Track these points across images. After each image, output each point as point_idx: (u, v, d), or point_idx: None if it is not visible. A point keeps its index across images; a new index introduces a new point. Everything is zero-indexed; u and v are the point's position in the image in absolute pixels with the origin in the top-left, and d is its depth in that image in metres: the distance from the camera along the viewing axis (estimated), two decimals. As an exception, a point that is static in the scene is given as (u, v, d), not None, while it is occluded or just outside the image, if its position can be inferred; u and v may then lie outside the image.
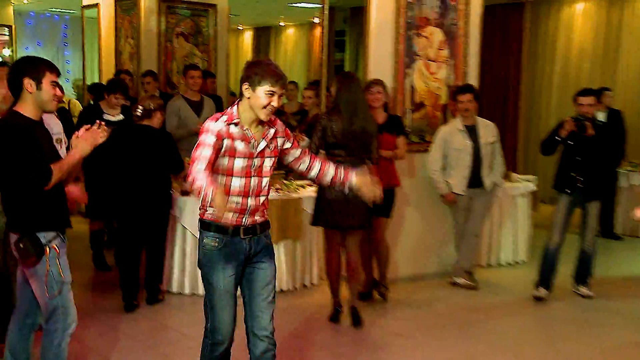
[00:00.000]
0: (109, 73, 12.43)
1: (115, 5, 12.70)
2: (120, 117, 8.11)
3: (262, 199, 4.48)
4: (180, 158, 7.51)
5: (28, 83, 4.51)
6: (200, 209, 4.49)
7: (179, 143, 8.46)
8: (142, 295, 7.46)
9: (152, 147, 7.24)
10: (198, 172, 4.02)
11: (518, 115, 14.84)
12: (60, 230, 4.78)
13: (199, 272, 7.47)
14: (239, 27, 21.29)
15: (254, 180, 4.35)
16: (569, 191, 7.89)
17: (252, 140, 4.30)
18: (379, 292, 7.87)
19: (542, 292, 7.98)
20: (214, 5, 12.49)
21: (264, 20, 20.32)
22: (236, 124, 4.26)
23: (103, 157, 6.91)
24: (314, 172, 4.81)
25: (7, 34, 18.23)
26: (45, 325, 4.78)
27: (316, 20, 16.33)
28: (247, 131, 4.29)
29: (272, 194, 7.87)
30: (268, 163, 4.42)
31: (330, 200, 6.76)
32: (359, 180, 4.67)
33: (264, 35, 21.05)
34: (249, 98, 4.24)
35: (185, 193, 7.70)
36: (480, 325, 7.23)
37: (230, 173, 4.30)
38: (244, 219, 4.40)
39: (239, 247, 4.43)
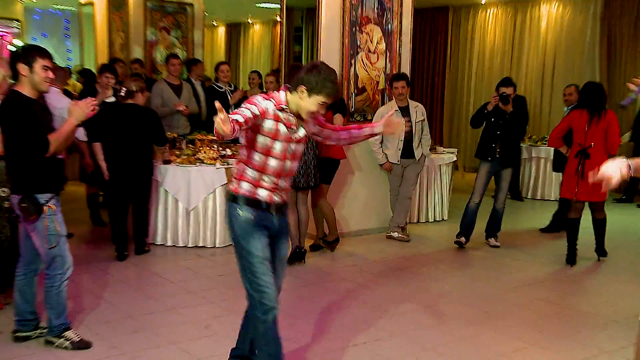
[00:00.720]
0: (103, 61, 12.24)
1: (108, 3, 12.68)
2: (112, 98, 7.97)
3: (289, 180, 4.18)
4: (164, 132, 7.57)
5: (22, 67, 4.53)
6: (233, 183, 4.07)
7: (162, 119, 8.48)
8: (131, 247, 7.44)
9: (137, 122, 7.23)
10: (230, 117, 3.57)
11: (443, 99, 15.18)
12: (55, 192, 4.78)
13: (181, 227, 7.64)
14: (213, 23, 21.04)
15: (287, 163, 4.01)
16: (489, 159, 8.01)
17: (294, 127, 3.99)
18: (325, 242, 7.84)
19: (462, 239, 8.17)
20: (191, 4, 12.52)
21: (234, 18, 20.12)
22: (283, 110, 3.92)
23: (97, 131, 7.21)
24: (343, 136, 4.45)
25: (18, 27, 17.96)
26: (47, 271, 4.80)
27: (278, 18, 16.44)
28: (291, 118, 3.97)
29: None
30: (300, 148, 4.12)
31: None
32: (382, 126, 4.35)
33: (235, 30, 20.82)
34: (300, 98, 3.92)
35: (167, 162, 7.73)
36: (411, 270, 7.27)
37: (268, 153, 3.91)
38: (275, 197, 4.04)
39: (270, 222, 4.08)
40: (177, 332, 5.30)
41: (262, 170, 3.96)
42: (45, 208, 4.63)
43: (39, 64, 4.53)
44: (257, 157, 3.93)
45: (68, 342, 4.80)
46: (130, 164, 7.24)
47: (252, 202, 4.00)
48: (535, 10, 13.82)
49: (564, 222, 8.36)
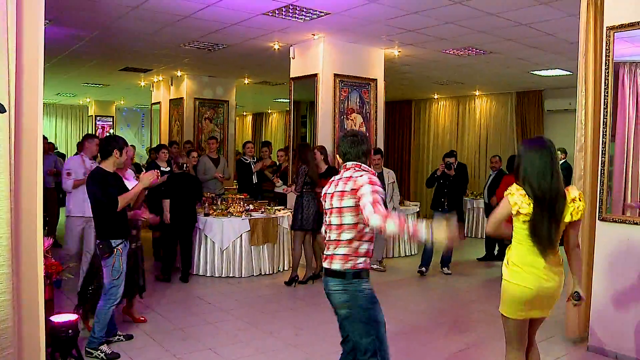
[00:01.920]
0: (165, 141, 12.37)
1: (170, 103, 12.76)
2: (167, 168, 7.93)
3: None
4: (202, 193, 7.85)
5: (117, 152, 4.69)
6: (346, 262, 3.20)
7: (204, 183, 8.55)
8: (177, 276, 7.36)
9: (186, 186, 7.32)
10: (389, 215, 2.96)
11: (410, 165, 15.08)
12: (124, 238, 4.70)
13: (216, 261, 7.53)
14: (243, 114, 21.20)
15: None
16: (440, 209, 8.00)
17: None
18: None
19: (423, 269, 8.01)
20: (227, 101, 12.55)
21: (259, 109, 20.28)
22: None
23: (159, 192, 7.28)
24: None
25: (111, 121, 19.44)
26: (104, 295, 4.66)
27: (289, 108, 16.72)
28: None
29: (259, 214, 7.78)
30: None
31: (302, 214, 7.10)
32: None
33: (259, 118, 20.92)
34: (369, 166, 3.36)
35: (207, 214, 7.69)
36: (387, 293, 7.04)
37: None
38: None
39: None
40: (213, 340, 5.14)
41: (371, 240, 3.28)
42: (115, 250, 4.59)
43: (126, 150, 4.78)
44: (368, 230, 3.19)
45: (102, 354, 4.59)
46: (182, 214, 7.26)
47: (367, 273, 3.28)
48: (472, 103, 13.97)
49: (492, 253, 9.12)
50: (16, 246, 3.43)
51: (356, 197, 3.13)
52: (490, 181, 9.37)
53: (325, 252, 3.31)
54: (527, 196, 3.15)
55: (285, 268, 8.09)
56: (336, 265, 3.20)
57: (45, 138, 9.45)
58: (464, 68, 10.04)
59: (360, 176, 3.21)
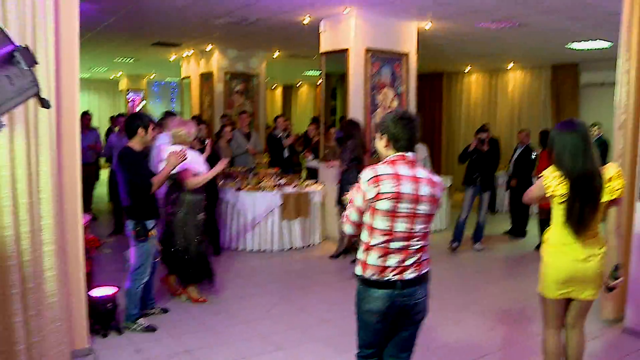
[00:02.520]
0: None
1: (200, 77, 12.73)
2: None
3: None
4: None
5: (141, 130, 4.61)
6: (428, 264, 2.93)
7: (237, 157, 8.56)
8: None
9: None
10: None
11: (441, 140, 14.93)
12: (157, 218, 4.76)
13: (249, 236, 7.60)
14: (273, 86, 21.18)
15: None
16: (472, 185, 7.93)
17: None
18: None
19: (455, 245, 7.96)
20: (257, 75, 12.50)
21: (288, 82, 20.20)
22: None
23: None
24: None
25: (142, 95, 19.77)
26: (132, 275, 4.68)
27: (320, 81, 16.55)
28: None
29: (291, 189, 7.80)
30: None
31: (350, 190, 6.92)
32: None
33: (288, 91, 20.85)
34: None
35: (239, 189, 7.59)
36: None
37: None
38: None
39: None
40: (246, 314, 5.22)
41: None
42: (150, 232, 4.61)
43: (151, 128, 4.66)
44: None
45: (140, 327, 4.66)
46: (209, 189, 7.14)
47: None
48: (505, 76, 13.67)
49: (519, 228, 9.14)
50: (61, 223, 3.50)
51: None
52: (517, 156, 9.21)
53: (404, 263, 2.76)
54: (562, 178, 3.17)
55: (316, 242, 8.12)
56: (424, 270, 2.86)
57: (87, 113, 9.55)
58: (498, 41, 9.82)
59: (438, 180, 2.85)
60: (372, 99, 8.23)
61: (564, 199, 3.18)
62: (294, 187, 7.90)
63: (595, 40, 9.41)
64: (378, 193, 2.68)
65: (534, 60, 12.39)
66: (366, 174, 2.73)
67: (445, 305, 5.59)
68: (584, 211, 3.17)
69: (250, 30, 9.47)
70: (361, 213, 2.78)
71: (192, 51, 12.72)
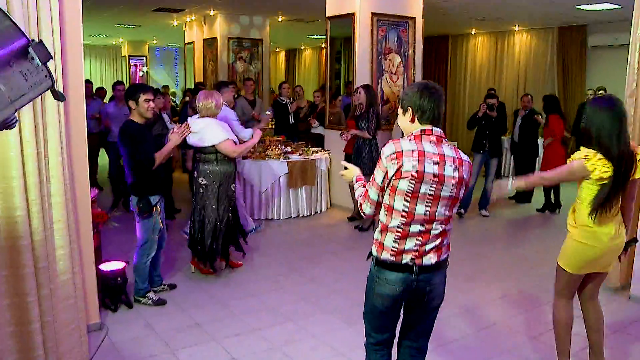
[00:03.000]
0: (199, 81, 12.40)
1: (203, 43, 12.58)
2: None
3: None
4: None
5: (131, 103, 4.43)
6: (447, 250, 2.77)
7: (244, 124, 8.45)
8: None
9: None
10: None
11: (446, 105, 14.62)
12: (162, 193, 4.67)
13: (256, 204, 7.60)
14: (276, 50, 20.89)
15: None
16: (482, 152, 7.90)
17: None
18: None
19: (461, 211, 7.98)
20: (261, 40, 12.33)
21: (291, 45, 19.87)
22: None
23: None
24: None
25: (144, 61, 19.59)
26: (139, 250, 4.64)
27: (323, 45, 16.46)
28: None
29: (297, 157, 7.76)
30: None
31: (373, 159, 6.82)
32: None
33: (292, 54, 20.53)
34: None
35: (244, 157, 7.55)
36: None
37: None
38: None
39: None
40: (255, 286, 5.23)
41: None
42: (154, 208, 4.53)
43: (142, 98, 4.38)
44: None
45: (150, 301, 4.67)
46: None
47: None
48: (511, 39, 13.40)
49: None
50: (71, 200, 3.48)
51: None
52: (522, 120, 9.08)
53: (423, 248, 2.58)
54: (605, 159, 3.09)
55: (323, 210, 8.12)
56: (444, 255, 2.70)
57: (88, 82, 9.43)
58: (504, 3, 9.61)
59: (466, 158, 2.63)
60: (378, 65, 8.12)
61: (607, 181, 3.11)
62: (300, 154, 7.85)
63: (603, 2, 9.20)
64: (399, 171, 2.45)
65: (540, 22, 12.14)
66: (388, 148, 2.50)
67: (453, 275, 5.58)
68: (617, 191, 3.16)
69: (253, -6, 9.29)
70: (382, 191, 2.55)
71: (195, 17, 12.51)
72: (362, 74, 7.98)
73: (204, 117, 5.06)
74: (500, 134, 8.24)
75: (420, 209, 2.51)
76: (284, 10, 11.26)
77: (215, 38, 11.94)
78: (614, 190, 3.14)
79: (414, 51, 8.46)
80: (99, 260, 4.51)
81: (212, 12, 11.68)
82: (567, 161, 3.27)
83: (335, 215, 7.96)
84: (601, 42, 11.51)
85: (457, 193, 2.57)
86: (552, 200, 8.38)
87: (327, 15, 8.43)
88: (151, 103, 4.43)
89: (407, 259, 2.58)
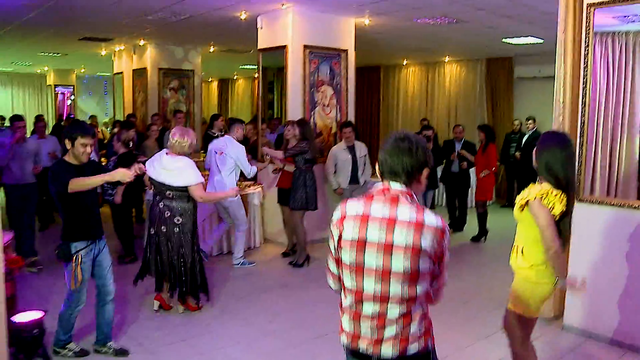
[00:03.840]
0: (129, 113, 12.09)
1: (133, 73, 12.28)
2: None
3: None
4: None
5: (67, 142, 4.10)
6: (420, 341, 2.17)
7: None
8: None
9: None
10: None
11: (379, 134, 14.89)
12: (89, 240, 4.19)
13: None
14: (209, 80, 20.64)
15: None
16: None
17: None
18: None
19: None
20: (192, 71, 12.12)
21: (224, 75, 19.71)
22: None
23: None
24: None
25: (71, 90, 18.77)
26: (65, 300, 4.28)
27: (256, 75, 16.30)
28: None
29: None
30: None
31: (306, 193, 6.90)
32: None
33: (224, 84, 20.34)
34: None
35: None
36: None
37: None
38: None
39: None
40: (184, 330, 4.97)
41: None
42: (74, 257, 4.11)
43: (79, 142, 4.05)
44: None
45: (71, 352, 4.35)
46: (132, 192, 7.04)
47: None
48: (441, 69, 13.74)
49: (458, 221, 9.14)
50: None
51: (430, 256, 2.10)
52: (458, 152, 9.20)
53: (379, 335, 2.15)
54: (555, 192, 3.16)
55: (257, 245, 7.93)
56: (415, 348, 2.17)
57: (40, 117, 8.88)
58: (435, 36, 9.84)
59: (433, 222, 2.11)
60: (311, 97, 8.07)
61: (562, 216, 3.16)
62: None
63: (527, 37, 9.58)
64: (340, 238, 2.17)
65: (469, 54, 12.53)
66: (335, 211, 2.25)
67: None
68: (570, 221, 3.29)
69: (184, 25, 9.13)
70: (337, 261, 2.25)
71: (124, 46, 12.20)
72: (294, 106, 7.92)
73: (176, 154, 5.03)
74: (436, 166, 8.33)
75: (369, 286, 2.11)
76: (215, 40, 11.13)
77: (145, 68, 11.65)
78: (569, 219, 3.25)
79: (347, 83, 8.49)
80: (13, 310, 4.17)
81: (142, 42, 11.42)
82: (516, 204, 3.28)
83: (269, 250, 7.78)
84: (526, 74, 11.96)
85: (415, 265, 2.05)
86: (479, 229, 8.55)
87: (258, 48, 8.36)
88: (88, 148, 4.11)
89: (362, 345, 2.18)
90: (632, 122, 4.69)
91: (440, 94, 13.79)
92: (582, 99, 4.76)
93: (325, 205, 8.21)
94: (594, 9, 4.67)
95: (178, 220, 5.02)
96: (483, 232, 8.50)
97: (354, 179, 7.90)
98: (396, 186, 2.16)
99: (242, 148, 6.74)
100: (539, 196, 3.14)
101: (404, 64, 14.41)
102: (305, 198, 6.89)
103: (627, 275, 4.61)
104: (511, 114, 12.18)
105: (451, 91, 13.50)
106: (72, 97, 18.81)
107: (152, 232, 5.14)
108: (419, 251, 2.05)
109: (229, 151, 6.65)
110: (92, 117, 16.41)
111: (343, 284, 2.23)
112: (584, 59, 4.73)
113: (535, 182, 3.31)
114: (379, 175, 2.24)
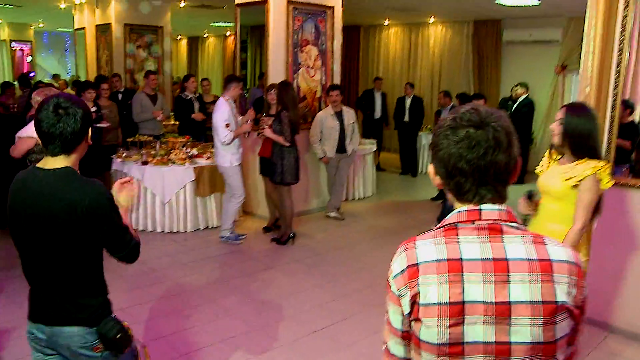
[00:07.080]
0: (92, 72, 11.12)
1: (96, 29, 11.29)
2: (94, 108, 6.92)
3: None
4: None
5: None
6: None
7: (142, 124, 7.63)
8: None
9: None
10: None
11: (355, 103, 14.12)
12: None
13: (159, 215, 6.62)
14: (177, 38, 19.53)
15: None
16: None
17: None
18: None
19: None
20: (161, 27, 11.15)
21: (194, 33, 18.64)
22: None
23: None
24: None
25: (30, 46, 17.73)
26: None
27: (228, 33, 15.98)
28: None
29: (205, 161, 6.85)
30: None
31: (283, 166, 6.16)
32: None
33: (194, 42, 19.28)
34: None
35: (145, 163, 6.63)
36: (346, 248, 6.39)
37: None
38: None
39: None
40: (162, 322, 4.34)
41: None
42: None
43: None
44: None
45: None
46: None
47: None
48: (425, 31, 13.02)
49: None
50: None
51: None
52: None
53: None
54: (602, 165, 3.05)
55: (235, 218, 7.27)
56: None
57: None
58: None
59: (566, 255, 1.32)
60: (294, 57, 7.34)
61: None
62: (208, 158, 6.93)
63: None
64: (415, 304, 1.28)
65: (456, 15, 11.83)
66: (395, 260, 1.35)
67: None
68: None
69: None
70: (406, 339, 1.35)
71: (85, -1, 11.19)
72: (276, 68, 7.17)
73: None
74: (415, 129, 7.78)
75: None
76: (187, -6, 10.23)
77: (110, 24, 10.67)
78: None
79: (333, 43, 7.76)
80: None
81: (105, -6, 10.44)
82: (562, 181, 3.06)
83: (249, 225, 7.15)
84: (515, 38, 11.33)
85: (550, 333, 1.25)
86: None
87: (236, 2, 7.54)
88: None
89: None
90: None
91: (423, 58, 13.11)
92: (617, 67, 4.16)
93: (308, 175, 7.61)
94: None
95: None
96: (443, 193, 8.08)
97: (341, 148, 7.35)
98: (488, 208, 1.32)
99: (223, 111, 5.95)
100: (594, 172, 3.00)
101: (386, 24, 13.64)
102: (289, 173, 6.19)
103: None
104: (499, 79, 11.63)
105: (435, 54, 12.84)
106: (29, 56, 17.62)
107: None
108: (554, 309, 1.25)
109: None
110: (55, 75, 15.33)
111: None
112: (622, 21, 4.11)
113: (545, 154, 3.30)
114: (446, 190, 1.38)
